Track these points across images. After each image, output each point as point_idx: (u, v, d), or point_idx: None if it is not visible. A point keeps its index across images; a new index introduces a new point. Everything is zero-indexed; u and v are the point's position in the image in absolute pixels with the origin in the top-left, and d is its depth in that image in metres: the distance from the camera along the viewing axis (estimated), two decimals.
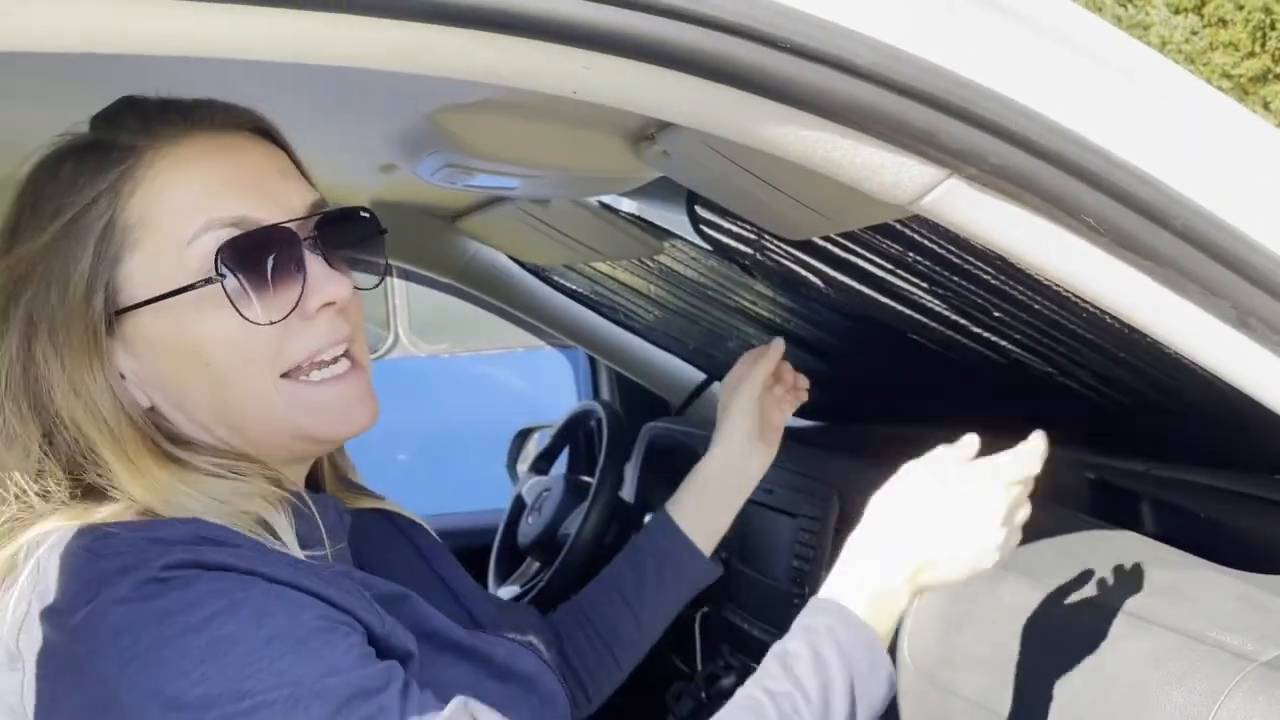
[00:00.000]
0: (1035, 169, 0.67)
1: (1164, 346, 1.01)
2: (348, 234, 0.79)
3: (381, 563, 0.85)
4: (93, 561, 0.66)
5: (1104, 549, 1.19)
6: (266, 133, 0.81)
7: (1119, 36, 0.69)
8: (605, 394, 2.48)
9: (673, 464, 2.02)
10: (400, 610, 0.74)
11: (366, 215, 0.82)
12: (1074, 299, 1.13)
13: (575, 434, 2.21)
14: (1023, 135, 0.66)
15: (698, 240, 1.67)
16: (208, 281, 0.72)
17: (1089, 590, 1.10)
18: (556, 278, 2.21)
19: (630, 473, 2.05)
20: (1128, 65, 0.69)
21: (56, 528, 0.69)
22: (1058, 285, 0.87)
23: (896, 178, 0.69)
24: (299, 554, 0.71)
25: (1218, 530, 1.24)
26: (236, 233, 0.72)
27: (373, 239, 0.82)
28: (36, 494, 0.71)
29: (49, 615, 0.65)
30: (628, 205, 1.76)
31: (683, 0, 0.60)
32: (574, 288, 2.21)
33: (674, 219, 1.72)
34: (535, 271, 2.20)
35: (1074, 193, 0.68)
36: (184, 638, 0.62)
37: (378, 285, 0.82)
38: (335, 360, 0.76)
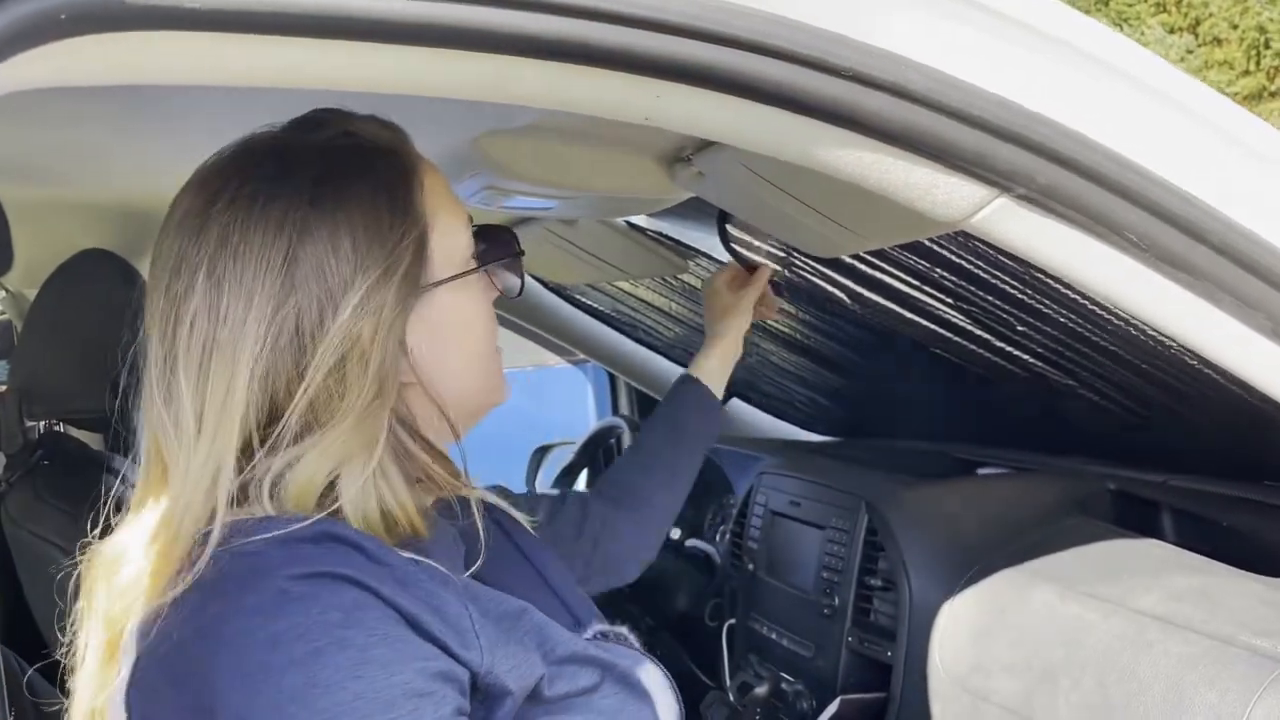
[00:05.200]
0: (1081, 188, 0.70)
1: (1192, 357, 1.04)
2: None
3: (491, 564, 0.86)
4: (224, 563, 0.68)
5: (1131, 556, 1.22)
6: None
7: (1155, 60, 0.73)
8: (625, 410, 2.51)
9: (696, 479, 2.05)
10: (519, 627, 0.76)
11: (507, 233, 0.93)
12: (1099, 311, 1.16)
13: (598, 450, 2.24)
14: (1070, 156, 0.69)
15: (721, 257, 1.70)
16: (507, 256, 0.87)
17: (1118, 596, 1.13)
18: (578, 295, 2.24)
19: None
20: (1166, 87, 0.73)
21: (221, 521, 0.70)
22: (1096, 299, 0.90)
23: (948, 197, 0.72)
24: (429, 561, 0.73)
25: (1238, 538, 1.27)
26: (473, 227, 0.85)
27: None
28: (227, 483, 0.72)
29: (180, 607, 0.68)
30: (645, 222, 1.79)
31: (752, 33, 0.63)
32: (595, 305, 2.24)
33: (696, 236, 1.76)
34: (557, 290, 2.23)
35: (1117, 210, 0.71)
36: (285, 671, 0.64)
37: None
38: None
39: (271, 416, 0.73)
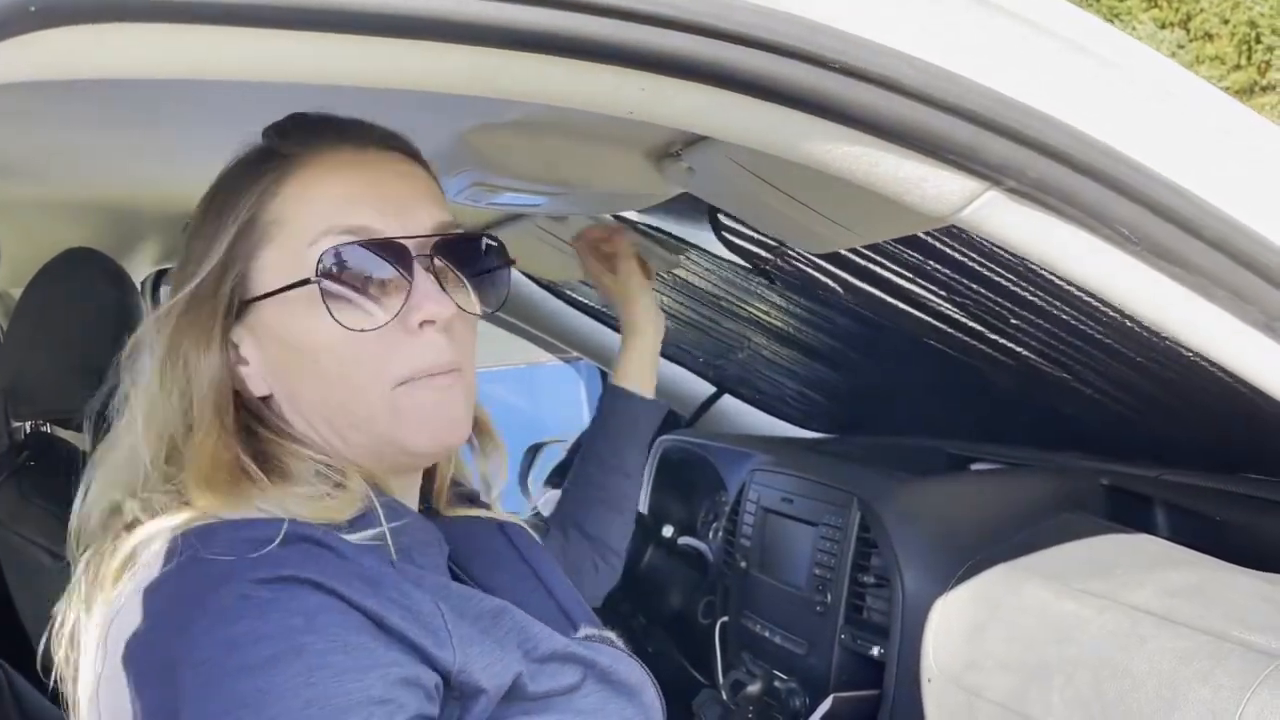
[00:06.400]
0: (1073, 181, 0.69)
1: (1185, 351, 1.03)
2: (469, 258, 0.81)
3: (486, 567, 0.86)
4: (191, 566, 0.68)
5: (1124, 552, 1.22)
6: (414, 157, 0.84)
7: (1152, 54, 0.72)
8: None
9: (686, 476, 2.05)
10: (499, 625, 0.75)
11: (494, 243, 0.84)
12: (1093, 304, 1.16)
13: None
14: (1061, 149, 0.69)
15: (713, 251, 1.69)
16: (306, 282, 0.75)
17: (1112, 591, 1.12)
18: (568, 291, 2.23)
19: (645, 485, 2.06)
20: (1160, 81, 0.72)
21: (166, 525, 0.72)
22: (1086, 292, 0.90)
23: (938, 191, 0.71)
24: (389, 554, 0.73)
25: (1232, 533, 1.26)
26: (351, 239, 0.76)
27: (496, 267, 0.84)
28: (158, 489, 0.75)
29: (143, 615, 0.68)
30: (636, 216, 1.78)
31: (739, 25, 0.62)
32: (586, 301, 2.23)
33: (688, 230, 1.75)
34: (548, 286, 2.22)
35: (1109, 204, 0.70)
36: (239, 676, 0.64)
37: (491, 313, 0.83)
38: (441, 375, 0.78)
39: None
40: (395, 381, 0.76)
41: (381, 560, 0.72)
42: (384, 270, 0.76)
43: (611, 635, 0.86)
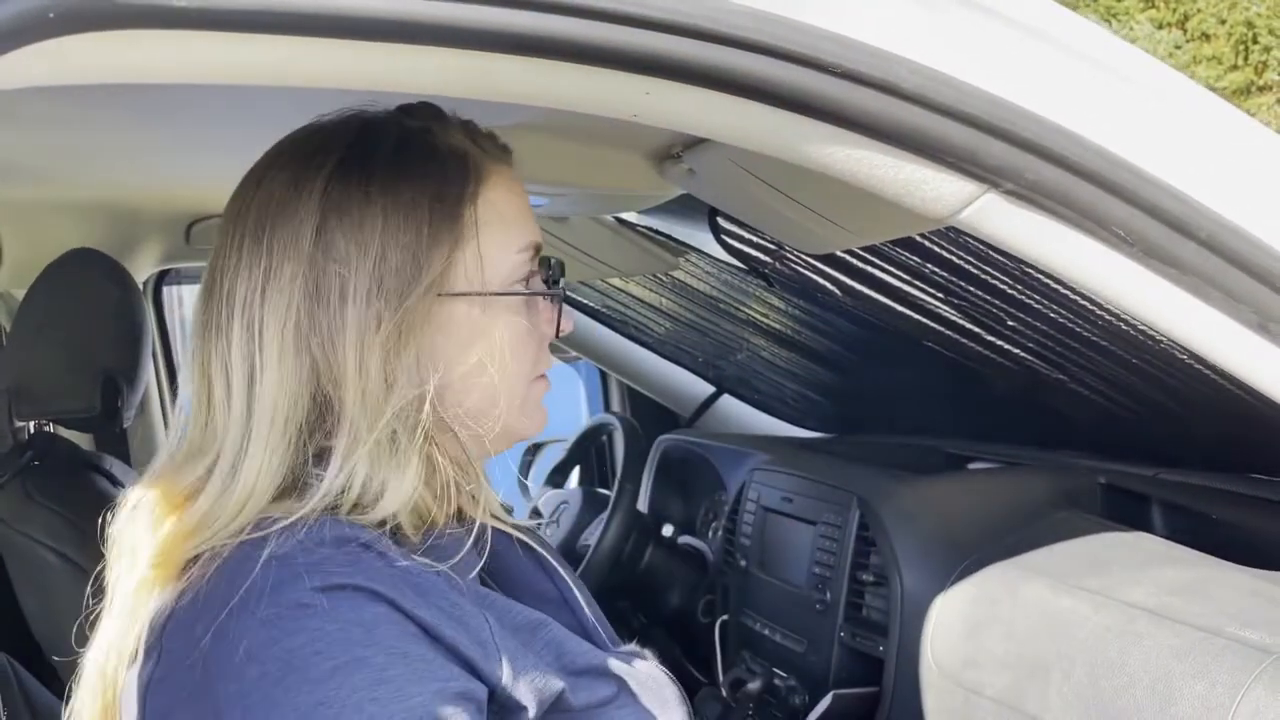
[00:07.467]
0: (1069, 183, 0.71)
1: (1180, 352, 1.04)
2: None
3: (511, 583, 0.86)
4: (249, 568, 0.67)
5: (1121, 549, 1.23)
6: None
7: (1145, 57, 0.73)
8: (616, 407, 2.52)
9: (686, 475, 2.06)
10: (537, 639, 0.76)
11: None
12: (1089, 306, 1.17)
13: (590, 448, 2.24)
14: (1057, 152, 0.70)
15: (712, 253, 1.71)
16: (529, 291, 0.83)
17: (1109, 589, 1.13)
18: (569, 293, 2.24)
19: (645, 485, 2.08)
20: (1154, 84, 0.74)
21: (220, 524, 0.71)
22: (1083, 293, 0.91)
23: (937, 193, 0.72)
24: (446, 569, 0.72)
25: (1227, 531, 1.27)
26: (536, 254, 0.85)
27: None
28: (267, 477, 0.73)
29: (199, 617, 0.67)
30: (635, 218, 1.80)
31: (742, 30, 0.64)
32: (585, 302, 2.24)
33: (688, 232, 1.76)
34: None
35: (1105, 205, 0.71)
36: (299, 689, 0.63)
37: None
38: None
39: (314, 405, 0.75)
40: (536, 374, 0.86)
41: (428, 567, 0.71)
42: (554, 287, 0.87)
43: (642, 650, 0.87)
